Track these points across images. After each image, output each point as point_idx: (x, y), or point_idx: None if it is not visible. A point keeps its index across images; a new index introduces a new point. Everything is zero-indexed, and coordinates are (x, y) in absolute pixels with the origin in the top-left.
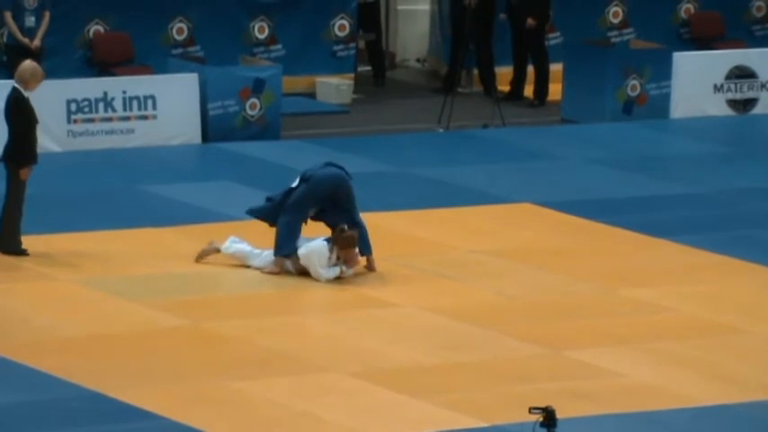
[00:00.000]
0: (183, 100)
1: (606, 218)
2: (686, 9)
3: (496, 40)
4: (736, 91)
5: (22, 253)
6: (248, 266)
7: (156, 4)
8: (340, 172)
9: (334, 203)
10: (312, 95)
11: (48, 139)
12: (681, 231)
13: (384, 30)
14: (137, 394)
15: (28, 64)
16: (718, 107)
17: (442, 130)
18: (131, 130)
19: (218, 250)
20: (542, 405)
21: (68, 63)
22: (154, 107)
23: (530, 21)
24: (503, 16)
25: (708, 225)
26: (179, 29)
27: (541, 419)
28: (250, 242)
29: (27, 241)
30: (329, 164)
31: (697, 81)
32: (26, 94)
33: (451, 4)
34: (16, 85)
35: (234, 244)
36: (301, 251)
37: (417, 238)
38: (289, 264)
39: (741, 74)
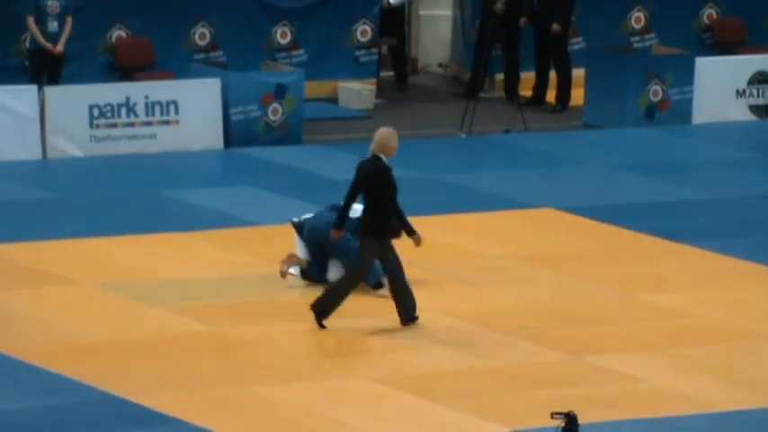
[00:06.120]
0: (205, 105)
1: (628, 223)
2: (708, 14)
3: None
4: (758, 96)
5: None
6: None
7: (179, 9)
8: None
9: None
10: (334, 101)
11: (70, 145)
12: (703, 237)
13: (407, 35)
14: (158, 399)
15: (387, 132)
16: (740, 112)
17: (464, 136)
18: (153, 136)
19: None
20: (564, 410)
21: (91, 68)
22: (176, 112)
23: (555, 26)
24: (524, 21)
25: (730, 231)
26: (201, 34)
27: (563, 425)
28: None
29: (48, 246)
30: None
31: (719, 86)
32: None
33: (482, 10)
34: (379, 155)
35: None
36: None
37: (439, 244)
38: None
39: (763, 79)
